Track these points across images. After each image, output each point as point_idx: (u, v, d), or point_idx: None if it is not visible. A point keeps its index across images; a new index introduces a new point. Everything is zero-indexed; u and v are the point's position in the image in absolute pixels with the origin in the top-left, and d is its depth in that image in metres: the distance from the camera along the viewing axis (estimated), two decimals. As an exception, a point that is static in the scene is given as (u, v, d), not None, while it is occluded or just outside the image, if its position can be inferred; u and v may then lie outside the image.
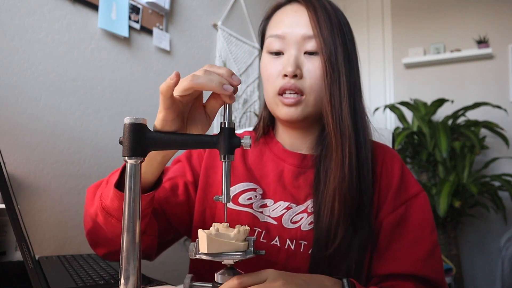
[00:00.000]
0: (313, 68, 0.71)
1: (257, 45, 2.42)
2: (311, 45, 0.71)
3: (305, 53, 0.72)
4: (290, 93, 0.71)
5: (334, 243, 0.67)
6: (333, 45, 0.70)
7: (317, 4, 0.72)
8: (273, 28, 0.75)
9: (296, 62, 0.70)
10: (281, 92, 0.72)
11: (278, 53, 0.74)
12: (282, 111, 0.72)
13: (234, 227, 0.51)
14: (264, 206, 0.75)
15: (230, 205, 0.76)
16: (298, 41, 0.71)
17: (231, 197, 0.76)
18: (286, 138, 0.80)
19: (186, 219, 0.79)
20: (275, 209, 0.74)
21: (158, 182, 0.64)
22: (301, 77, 0.71)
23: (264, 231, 0.73)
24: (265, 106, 0.82)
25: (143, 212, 0.63)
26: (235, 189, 0.77)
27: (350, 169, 0.68)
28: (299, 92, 0.71)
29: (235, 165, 0.80)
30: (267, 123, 0.83)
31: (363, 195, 0.69)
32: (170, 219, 0.77)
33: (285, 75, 0.71)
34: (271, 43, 0.74)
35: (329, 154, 0.70)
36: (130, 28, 1.65)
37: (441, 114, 2.73)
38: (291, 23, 0.72)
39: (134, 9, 1.66)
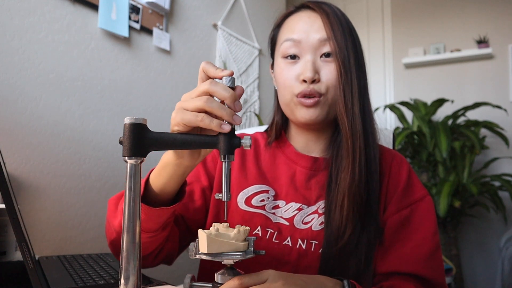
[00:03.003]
0: (329, 70, 0.72)
1: (257, 45, 2.42)
2: (327, 48, 0.73)
3: (320, 56, 0.73)
4: (309, 97, 0.72)
5: (343, 239, 0.68)
6: (346, 49, 0.72)
7: (329, 10, 0.74)
8: (287, 33, 0.76)
9: (314, 67, 0.72)
10: (300, 96, 0.73)
11: (294, 57, 0.75)
12: (302, 112, 0.74)
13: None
14: (276, 207, 0.77)
15: (243, 206, 0.77)
16: (314, 45, 0.73)
17: (244, 199, 0.78)
18: (300, 140, 0.82)
19: (204, 223, 0.80)
20: (287, 210, 0.76)
21: (179, 193, 0.65)
22: (319, 81, 0.72)
23: (276, 232, 0.75)
24: (277, 111, 0.84)
25: (165, 222, 0.65)
26: (248, 191, 0.78)
27: (360, 168, 0.70)
28: (318, 95, 0.72)
29: (249, 167, 0.81)
30: (280, 127, 0.84)
31: (370, 193, 0.71)
32: (188, 224, 0.78)
33: (304, 81, 0.72)
34: (287, 48, 0.75)
35: (341, 154, 0.73)
36: (130, 28, 1.65)
37: (441, 114, 2.73)
38: (306, 29, 0.74)
39: (134, 9, 1.66)
